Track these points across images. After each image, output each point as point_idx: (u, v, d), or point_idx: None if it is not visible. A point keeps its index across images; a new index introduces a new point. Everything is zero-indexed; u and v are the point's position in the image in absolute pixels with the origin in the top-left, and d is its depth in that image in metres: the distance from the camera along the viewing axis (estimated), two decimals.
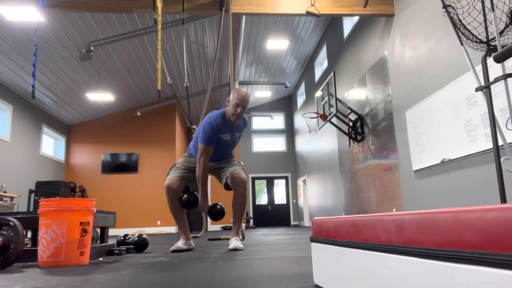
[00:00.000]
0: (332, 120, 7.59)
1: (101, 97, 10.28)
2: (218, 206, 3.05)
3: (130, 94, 11.14)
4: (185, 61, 5.89)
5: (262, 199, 14.35)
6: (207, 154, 2.85)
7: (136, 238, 3.12)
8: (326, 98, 7.62)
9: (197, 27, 8.41)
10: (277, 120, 14.86)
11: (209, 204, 3.04)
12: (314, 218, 1.18)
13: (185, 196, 2.95)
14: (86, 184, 11.58)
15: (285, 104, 14.85)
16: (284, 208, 14.27)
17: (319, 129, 8.74)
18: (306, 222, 12.49)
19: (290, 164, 14.40)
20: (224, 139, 2.94)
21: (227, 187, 3.05)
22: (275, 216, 14.15)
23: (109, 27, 7.61)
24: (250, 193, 14.05)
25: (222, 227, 12.49)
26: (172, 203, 2.98)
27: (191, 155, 3.09)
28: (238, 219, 3.02)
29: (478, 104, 3.96)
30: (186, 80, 5.46)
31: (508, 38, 2.75)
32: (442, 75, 4.67)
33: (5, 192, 8.24)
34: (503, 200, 2.39)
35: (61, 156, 11.61)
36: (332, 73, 7.31)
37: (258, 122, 14.76)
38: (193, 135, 3.23)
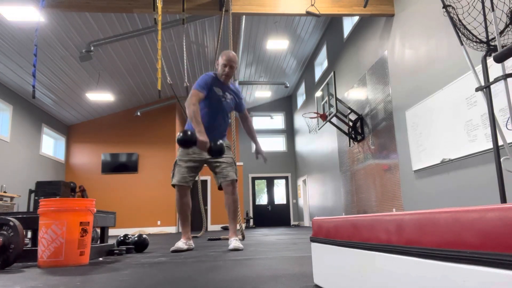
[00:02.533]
0: (332, 120, 7.59)
1: (101, 97, 10.28)
2: (218, 143, 2.83)
3: (130, 94, 11.14)
4: (185, 61, 5.89)
5: (262, 199, 14.35)
6: (197, 97, 2.89)
7: (136, 238, 3.12)
8: (326, 98, 7.62)
9: (197, 27, 8.41)
10: (277, 120, 14.86)
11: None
12: (314, 218, 1.18)
13: (181, 134, 2.71)
14: (86, 184, 11.58)
15: (285, 104, 14.85)
16: (284, 208, 14.27)
17: (319, 129, 8.74)
18: (306, 222, 12.50)
19: (290, 164, 14.40)
20: (216, 94, 3.02)
21: (220, 188, 3.12)
22: (275, 216, 14.15)
23: (109, 27, 7.61)
24: (250, 193, 14.05)
25: (222, 227, 12.49)
26: (181, 199, 3.02)
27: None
28: (233, 218, 3.05)
29: (478, 104, 3.96)
30: (186, 80, 5.46)
31: (508, 38, 2.75)
32: (442, 75, 4.67)
33: (5, 192, 8.24)
34: (503, 200, 2.39)
35: (61, 156, 11.61)
36: (332, 73, 7.31)
37: (258, 122, 14.76)
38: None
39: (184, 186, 3.02)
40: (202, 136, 2.74)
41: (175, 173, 3.08)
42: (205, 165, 3.17)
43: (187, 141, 2.71)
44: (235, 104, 3.19)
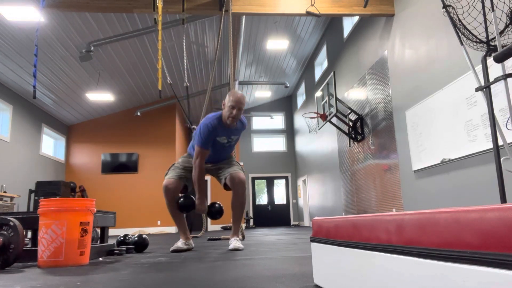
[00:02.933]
0: (332, 120, 7.59)
1: (101, 97, 10.28)
2: (217, 205, 3.03)
3: (130, 94, 11.14)
4: (185, 61, 5.89)
5: (262, 199, 14.35)
6: (203, 156, 2.85)
7: (136, 238, 3.12)
8: (326, 98, 7.62)
9: (197, 27, 8.41)
10: (277, 120, 14.86)
11: (207, 204, 3.03)
12: (314, 218, 1.18)
13: (182, 200, 2.92)
14: (86, 184, 11.58)
15: (285, 104, 14.85)
16: (284, 208, 14.27)
17: (319, 129, 8.74)
18: (306, 222, 12.50)
19: (290, 164, 14.40)
20: (220, 142, 2.93)
21: (226, 187, 3.06)
22: (275, 216, 14.15)
23: (109, 27, 7.61)
24: (250, 193, 14.05)
25: (222, 227, 12.48)
26: (170, 203, 2.97)
27: (190, 155, 3.10)
28: (238, 219, 3.01)
29: (478, 104, 3.96)
30: (186, 80, 5.46)
31: (508, 38, 2.75)
32: (442, 75, 4.67)
33: (5, 192, 8.24)
34: (503, 200, 2.39)
35: (61, 156, 11.61)
36: (332, 73, 7.31)
37: (258, 122, 14.76)
38: (193, 135, 3.22)
39: (174, 181, 2.95)
40: (201, 205, 2.90)
41: (168, 172, 3.07)
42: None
43: (188, 206, 2.93)
44: (238, 137, 3.13)
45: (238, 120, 2.86)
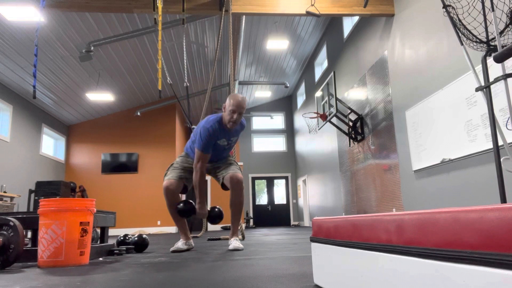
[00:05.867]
0: (332, 120, 7.59)
1: (101, 97, 10.28)
2: (216, 209, 3.04)
3: (130, 94, 11.14)
4: (185, 61, 5.89)
5: (262, 199, 14.35)
6: (204, 160, 2.85)
7: (136, 238, 3.12)
8: (326, 98, 7.62)
9: (197, 27, 8.41)
10: (277, 120, 14.86)
11: (208, 209, 3.04)
12: (314, 218, 1.18)
13: (182, 205, 2.92)
14: (86, 184, 11.58)
15: (285, 104, 14.85)
16: (284, 208, 14.27)
17: (319, 129, 8.74)
18: (306, 222, 12.49)
19: (290, 164, 14.40)
20: (220, 144, 2.94)
21: (224, 187, 3.08)
22: (275, 216, 14.14)
23: (109, 27, 7.61)
24: (250, 193, 14.05)
25: (222, 227, 12.48)
26: (171, 204, 2.97)
27: (188, 155, 3.10)
28: (236, 218, 3.03)
29: (478, 104, 3.96)
30: (186, 80, 5.46)
31: (508, 38, 2.75)
32: (442, 75, 4.67)
33: (5, 192, 8.24)
34: (503, 200, 2.39)
35: (61, 156, 11.61)
36: (332, 73, 7.31)
37: (258, 122, 14.76)
38: (191, 135, 3.23)
39: (174, 182, 2.96)
40: (201, 209, 2.91)
41: (168, 172, 3.07)
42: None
43: (187, 212, 2.92)
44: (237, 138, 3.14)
45: (238, 124, 2.88)
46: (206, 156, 2.84)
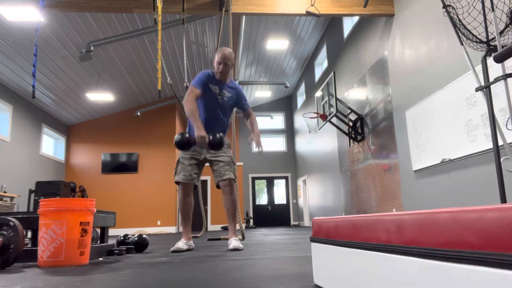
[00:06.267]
0: (332, 120, 7.59)
1: (101, 97, 10.29)
2: (218, 136, 2.84)
3: (130, 94, 11.14)
4: (185, 61, 5.90)
5: (262, 199, 14.35)
6: (193, 94, 2.92)
7: (136, 238, 3.12)
8: (326, 98, 7.62)
9: (197, 27, 8.41)
10: (277, 120, 14.86)
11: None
12: (314, 218, 1.18)
13: (179, 137, 2.79)
14: (86, 184, 11.58)
15: (285, 104, 14.85)
16: (284, 208, 14.27)
17: (319, 129, 8.74)
18: (306, 222, 12.50)
19: (290, 164, 14.40)
20: (213, 91, 3.03)
21: (218, 187, 3.13)
22: (275, 216, 14.15)
23: (109, 27, 7.61)
24: (250, 193, 14.05)
25: (222, 227, 12.49)
26: (184, 198, 3.03)
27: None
28: (232, 218, 3.05)
29: (478, 104, 3.96)
30: (186, 80, 5.46)
31: (508, 38, 2.75)
32: (442, 75, 4.67)
33: (5, 192, 8.24)
34: (503, 200, 2.39)
35: (61, 156, 11.61)
36: (332, 73, 7.31)
37: (258, 122, 14.75)
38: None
39: (188, 184, 3.03)
40: (200, 131, 2.77)
41: (178, 170, 3.08)
42: (206, 164, 3.18)
43: (185, 143, 2.80)
44: (235, 102, 3.16)
45: (225, 74, 3.03)
46: (195, 91, 2.93)
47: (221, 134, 2.87)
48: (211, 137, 2.81)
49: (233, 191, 3.03)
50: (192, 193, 3.07)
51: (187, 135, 2.81)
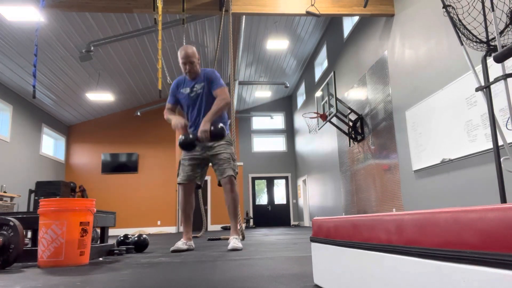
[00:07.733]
0: (332, 120, 7.59)
1: (101, 97, 10.29)
2: (219, 126, 2.84)
3: (130, 94, 11.14)
4: None
5: (262, 199, 14.35)
6: (167, 111, 3.12)
7: (136, 238, 3.12)
8: (326, 98, 7.62)
9: (197, 27, 8.41)
10: (277, 120, 14.86)
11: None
12: (314, 218, 1.18)
13: (183, 138, 2.82)
14: (86, 184, 11.58)
15: (285, 104, 14.85)
16: (284, 208, 14.27)
17: (319, 129, 8.74)
18: (306, 222, 12.50)
19: (290, 164, 14.40)
20: (184, 93, 3.09)
21: (219, 184, 3.13)
22: (275, 216, 14.14)
23: (109, 27, 7.61)
24: (250, 193, 14.05)
25: (222, 227, 12.49)
26: (185, 198, 3.05)
27: None
28: (233, 215, 3.06)
29: (478, 104, 3.96)
30: None
31: (508, 38, 2.75)
32: (442, 75, 4.67)
33: (5, 192, 8.24)
34: (503, 200, 2.39)
35: (61, 156, 11.61)
36: (332, 73, 7.31)
37: (258, 122, 14.76)
38: None
39: (188, 184, 3.04)
40: (205, 125, 2.84)
41: (179, 172, 3.12)
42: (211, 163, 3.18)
43: (189, 143, 2.85)
44: (208, 87, 3.06)
45: (194, 72, 3.03)
46: (168, 106, 3.12)
47: (222, 125, 2.90)
48: (212, 128, 2.85)
49: (234, 189, 3.03)
50: (193, 193, 3.08)
51: (190, 136, 2.85)
